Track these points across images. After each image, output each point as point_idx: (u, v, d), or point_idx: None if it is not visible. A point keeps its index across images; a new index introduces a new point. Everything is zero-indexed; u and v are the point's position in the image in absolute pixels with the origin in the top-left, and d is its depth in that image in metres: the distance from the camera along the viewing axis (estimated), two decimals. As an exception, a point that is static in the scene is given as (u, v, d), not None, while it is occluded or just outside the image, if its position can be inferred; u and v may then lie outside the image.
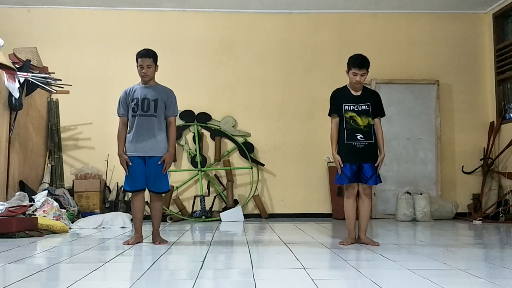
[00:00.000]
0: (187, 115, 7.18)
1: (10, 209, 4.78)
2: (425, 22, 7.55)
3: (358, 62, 4.08)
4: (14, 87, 5.65)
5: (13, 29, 7.03)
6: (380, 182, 4.17)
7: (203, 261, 3.29)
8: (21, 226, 4.58)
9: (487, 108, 7.45)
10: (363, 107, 4.09)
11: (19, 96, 5.71)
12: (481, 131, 7.38)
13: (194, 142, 7.14)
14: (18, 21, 7.22)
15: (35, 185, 6.37)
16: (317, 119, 7.14)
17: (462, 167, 7.34)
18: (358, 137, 4.05)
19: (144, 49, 4.23)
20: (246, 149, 7.18)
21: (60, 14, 7.30)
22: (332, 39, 7.48)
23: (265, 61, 7.44)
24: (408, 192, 6.82)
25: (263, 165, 7.24)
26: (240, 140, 7.26)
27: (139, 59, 4.18)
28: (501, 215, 6.59)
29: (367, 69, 4.12)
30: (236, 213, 6.78)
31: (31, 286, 2.59)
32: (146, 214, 5.00)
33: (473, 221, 6.55)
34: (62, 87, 6.46)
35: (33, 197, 5.42)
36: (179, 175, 7.14)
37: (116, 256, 3.55)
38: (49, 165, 6.71)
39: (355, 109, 4.08)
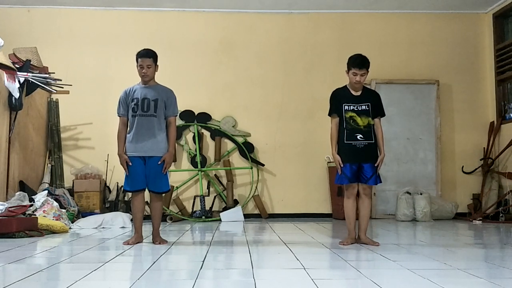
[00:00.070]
0: (187, 115, 7.18)
1: (10, 209, 4.78)
2: (425, 22, 7.55)
3: (358, 62, 4.08)
4: (14, 87, 5.65)
5: (13, 29, 7.03)
6: (380, 182, 4.17)
7: (203, 261, 3.29)
8: (21, 226, 4.58)
9: (487, 108, 7.45)
10: (363, 107, 4.09)
11: (19, 96, 5.71)
12: (481, 131, 7.39)
13: (194, 142, 7.14)
14: (18, 21, 7.22)
15: (35, 185, 6.37)
16: (317, 119, 7.14)
17: (462, 167, 7.34)
18: (358, 137, 4.05)
19: (144, 49, 4.23)
20: (246, 149, 7.18)
21: (60, 14, 7.30)
22: (332, 39, 7.49)
23: (265, 61, 7.44)
24: (408, 192, 6.82)
25: (263, 165, 7.24)
26: (240, 140, 7.26)
27: (139, 59, 4.18)
28: (501, 215, 6.59)
29: (367, 69, 4.12)
30: (236, 213, 6.78)
31: (31, 286, 2.59)
32: (146, 214, 5.00)
33: (473, 221, 6.55)
34: (62, 87, 6.46)
35: (33, 197, 5.42)
36: (179, 175, 7.14)
37: (116, 256, 3.55)
38: (49, 165, 6.71)
39: (355, 109, 4.08)
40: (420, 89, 7.34)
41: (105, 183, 6.91)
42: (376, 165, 4.08)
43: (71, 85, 6.56)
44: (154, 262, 3.25)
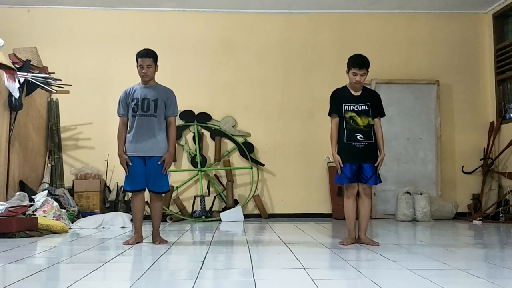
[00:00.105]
0: (187, 115, 7.18)
1: (10, 209, 4.78)
2: (425, 22, 7.55)
3: (358, 62, 4.08)
4: (14, 87, 5.65)
5: (13, 29, 7.03)
6: (380, 182, 4.17)
7: (203, 261, 3.29)
8: (21, 226, 4.58)
9: (487, 108, 7.45)
10: (363, 107, 4.09)
11: (19, 96, 5.71)
12: (481, 131, 7.39)
13: (194, 142, 7.14)
14: (18, 21, 7.22)
15: (35, 185, 6.37)
16: (317, 119, 7.14)
17: (462, 167, 7.34)
18: (358, 137, 4.05)
19: (144, 49, 4.24)
20: (246, 149, 7.18)
21: (60, 14, 7.30)
22: (332, 39, 7.48)
23: (265, 61, 7.44)
24: (408, 192, 6.82)
25: (263, 165, 7.24)
26: (240, 140, 7.26)
27: (139, 59, 4.18)
28: (501, 215, 6.59)
29: (367, 69, 4.12)
30: (236, 213, 6.78)
31: (31, 286, 2.59)
32: (146, 214, 5.00)
33: (473, 221, 6.55)
34: (62, 87, 6.46)
35: (33, 197, 5.41)
36: (179, 175, 7.14)
37: (116, 256, 3.55)
38: (49, 165, 6.71)
39: (355, 109, 4.08)
40: (420, 89, 7.34)
41: (105, 183, 6.91)
42: (376, 165, 4.08)
43: (71, 85, 6.56)
44: (154, 262, 3.25)
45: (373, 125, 4.12)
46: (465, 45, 7.55)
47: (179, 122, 7.03)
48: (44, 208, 5.28)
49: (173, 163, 6.14)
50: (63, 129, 7.06)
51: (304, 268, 2.98)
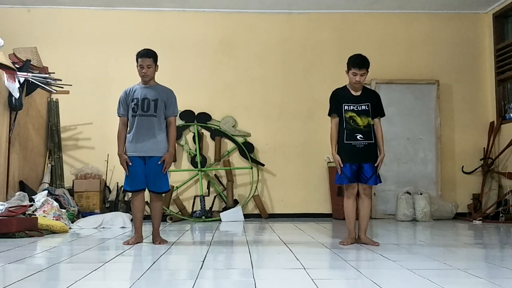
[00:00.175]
0: (187, 115, 7.18)
1: (10, 209, 4.78)
2: (425, 22, 7.55)
3: (358, 62, 4.08)
4: (14, 87, 5.65)
5: (13, 29, 7.03)
6: (380, 182, 4.17)
7: (203, 261, 3.29)
8: (21, 226, 4.58)
9: (487, 108, 7.45)
10: (363, 107, 4.09)
11: (19, 96, 5.71)
12: (481, 131, 7.39)
13: (194, 142, 7.14)
14: (18, 21, 7.22)
15: (35, 185, 6.37)
16: (317, 119, 7.14)
17: (462, 167, 7.34)
18: (358, 137, 4.05)
19: (144, 49, 4.24)
20: (246, 149, 7.18)
21: (60, 14, 7.30)
22: (332, 39, 7.49)
23: (265, 61, 7.44)
24: (408, 192, 6.82)
25: (263, 165, 7.24)
26: (240, 140, 7.26)
27: (139, 59, 4.18)
28: (501, 215, 6.59)
29: (367, 69, 4.12)
30: (236, 213, 6.78)
31: (31, 286, 2.59)
32: (146, 214, 5.00)
33: (473, 221, 6.55)
34: (62, 87, 6.46)
35: (33, 197, 5.41)
36: (179, 175, 7.14)
37: (116, 256, 3.55)
38: (49, 165, 6.71)
39: (355, 109, 4.08)
40: (420, 89, 7.34)
41: (105, 183, 6.91)
42: (376, 165, 4.08)
43: (71, 85, 6.56)
44: (154, 262, 3.25)
45: (373, 125, 4.12)
46: (465, 45, 7.55)
47: (179, 122, 7.03)
48: (44, 208, 5.28)
49: (173, 163, 6.15)
50: (63, 129, 7.06)
51: (304, 268, 2.98)
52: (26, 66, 6.07)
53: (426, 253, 3.67)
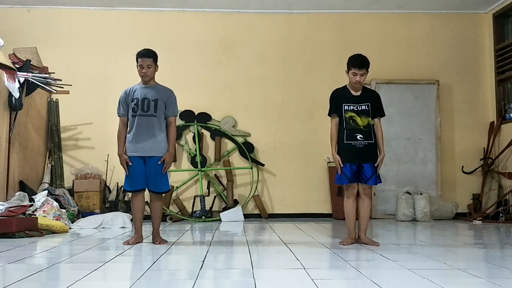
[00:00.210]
0: (187, 115, 7.18)
1: (10, 209, 4.78)
2: (425, 22, 7.55)
3: (358, 62, 4.08)
4: (14, 87, 5.65)
5: (13, 29, 7.03)
6: (380, 182, 4.17)
7: (203, 261, 3.29)
8: (21, 226, 4.58)
9: (487, 108, 7.45)
10: (363, 107, 4.09)
11: (19, 96, 5.71)
12: (481, 131, 7.39)
13: (194, 142, 7.14)
14: (18, 21, 7.22)
15: (35, 185, 6.37)
16: (317, 119, 7.14)
17: (462, 167, 7.34)
18: (358, 137, 4.06)
19: (144, 49, 4.24)
20: (246, 149, 7.18)
21: (60, 14, 7.30)
22: (332, 39, 7.49)
23: (265, 61, 7.44)
24: (408, 192, 6.82)
25: (263, 165, 7.24)
26: (240, 140, 7.26)
27: (139, 59, 4.18)
28: (501, 215, 6.59)
29: (367, 69, 4.12)
30: (236, 213, 6.78)
31: (31, 286, 2.59)
32: (146, 214, 5.00)
33: (473, 221, 6.55)
34: (62, 87, 6.46)
35: (33, 197, 5.41)
36: (179, 175, 7.14)
37: (116, 256, 3.55)
38: (49, 165, 6.71)
39: (355, 109, 4.08)
40: (420, 89, 7.34)
41: (105, 183, 6.91)
42: (376, 165, 4.08)
43: (71, 85, 6.56)
44: (154, 262, 3.25)
45: (373, 125, 4.12)
46: (465, 45, 7.55)
47: (179, 122, 7.03)
48: (44, 208, 5.28)
49: (173, 163, 6.15)
50: (63, 129, 7.06)
51: (304, 268, 2.99)
52: (26, 66, 6.07)
53: (426, 253, 3.67)
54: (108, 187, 6.93)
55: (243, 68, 7.42)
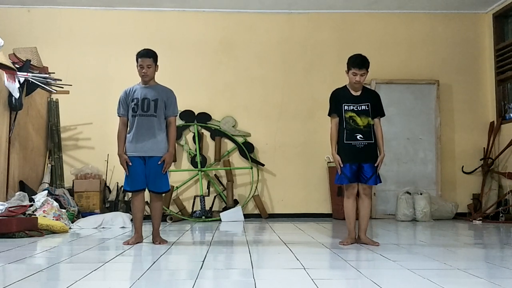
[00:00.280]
0: (187, 115, 7.18)
1: (10, 209, 4.78)
2: (425, 22, 7.55)
3: (358, 62, 4.09)
4: (14, 87, 5.65)
5: (13, 29, 7.03)
6: (380, 182, 4.17)
7: (203, 261, 3.29)
8: (21, 226, 4.58)
9: (487, 108, 7.45)
10: (363, 107, 4.09)
11: (19, 96, 5.71)
12: (481, 131, 7.39)
13: (194, 142, 7.14)
14: (18, 21, 7.22)
15: (35, 185, 6.37)
16: (317, 119, 7.14)
17: (462, 167, 7.34)
18: (358, 137, 4.06)
19: (144, 49, 4.24)
20: (246, 149, 7.18)
21: (60, 14, 7.30)
22: (332, 39, 7.49)
23: (265, 61, 7.44)
24: (408, 192, 6.82)
25: (263, 165, 7.24)
26: (240, 140, 7.26)
27: (139, 59, 4.18)
28: (501, 215, 6.59)
29: (367, 69, 4.12)
30: (236, 213, 6.78)
31: (31, 286, 2.59)
32: (146, 214, 5.00)
33: (473, 221, 6.55)
34: (62, 87, 6.46)
35: (33, 197, 5.41)
36: (179, 175, 7.14)
37: (116, 256, 3.55)
38: (49, 165, 6.71)
39: (355, 109, 4.09)
40: (420, 89, 7.34)
41: (105, 183, 6.91)
42: (376, 165, 4.08)
43: (71, 85, 6.56)
44: (154, 262, 3.25)
45: (373, 125, 4.12)
46: (465, 45, 7.55)
47: (179, 122, 7.03)
48: (44, 208, 5.28)
49: (173, 163, 6.15)
50: (63, 129, 7.06)
51: (304, 268, 2.99)
52: (26, 66, 6.07)
53: (426, 253, 3.67)
54: (108, 187, 6.93)
55: (243, 68, 7.42)
